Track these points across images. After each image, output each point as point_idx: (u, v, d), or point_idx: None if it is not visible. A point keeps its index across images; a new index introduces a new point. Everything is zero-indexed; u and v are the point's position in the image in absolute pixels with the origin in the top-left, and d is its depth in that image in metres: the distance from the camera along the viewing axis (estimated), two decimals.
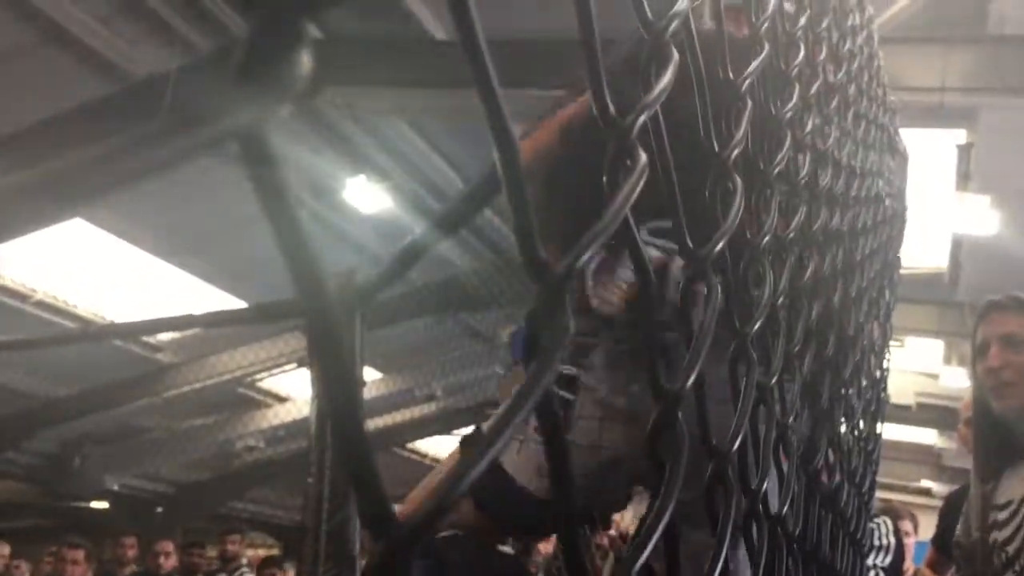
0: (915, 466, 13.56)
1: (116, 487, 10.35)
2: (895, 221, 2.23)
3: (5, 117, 5.40)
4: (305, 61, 0.28)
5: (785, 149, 0.84)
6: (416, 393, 9.70)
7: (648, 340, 0.59)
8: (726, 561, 0.67)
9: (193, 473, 11.12)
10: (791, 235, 0.92)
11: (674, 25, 0.51)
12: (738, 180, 0.65)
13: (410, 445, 11.87)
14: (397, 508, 0.31)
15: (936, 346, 9.51)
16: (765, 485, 0.83)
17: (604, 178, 0.45)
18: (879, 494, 3.24)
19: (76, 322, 8.03)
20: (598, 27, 0.43)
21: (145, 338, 8.83)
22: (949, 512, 3.43)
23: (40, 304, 7.78)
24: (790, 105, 0.87)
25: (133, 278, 7.85)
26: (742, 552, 0.83)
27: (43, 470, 9.74)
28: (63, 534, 8.20)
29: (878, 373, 2.15)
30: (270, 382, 9.94)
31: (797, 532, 1.06)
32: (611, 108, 0.45)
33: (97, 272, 7.76)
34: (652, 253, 1.05)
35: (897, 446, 11.82)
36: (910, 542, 5.04)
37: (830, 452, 1.30)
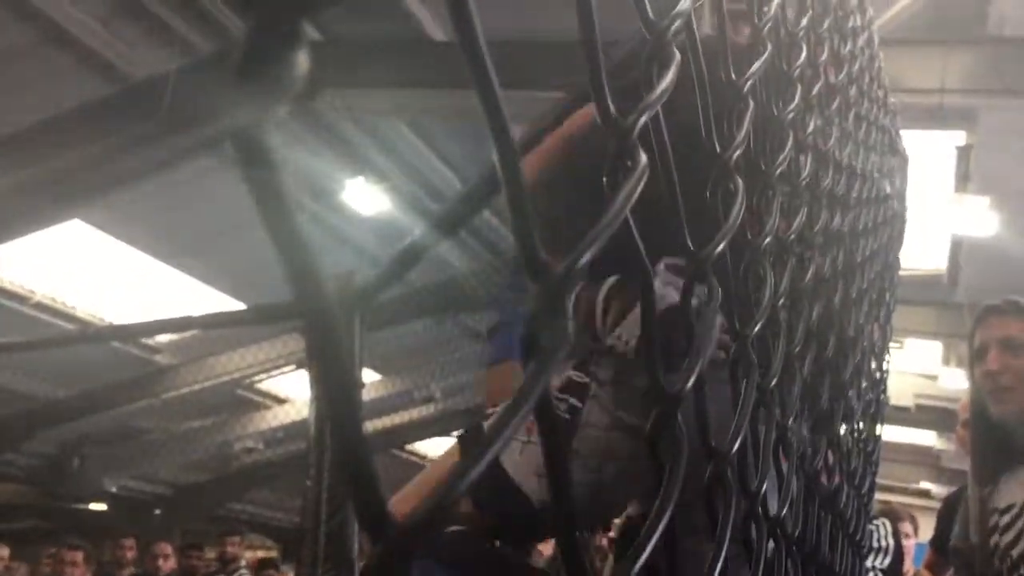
0: (914, 468, 13.56)
1: (115, 489, 10.35)
2: (895, 222, 2.23)
3: (4, 117, 5.40)
4: (303, 61, 0.28)
5: (787, 150, 0.83)
6: (415, 395, 9.70)
7: (648, 341, 0.59)
8: (726, 563, 0.67)
9: (192, 475, 11.11)
10: (792, 236, 0.92)
11: (676, 25, 0.50)
12: (740, 181, 0.65)
13: (409, 447, 11.87)
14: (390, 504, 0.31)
15: (935, 347, 9.52)
16: (764, 486, 0.83)
17: (604, 179, 0.45)
18: (878, 496, 3.24)
19: (75, 324, 8.03)
20: (599, 28, 0.43)
21: (144, 340, 8.83)
22: (947, 514, 3.42)
23: (39, 306, 7.78)
24: (792, 106, 0.87)
25: (132, 280, 7.85)
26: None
27: (42, 471, 9.74)
28: (62, 536, 8.20)
29: (878, 375, 2.15)
30: (269, 384, 9.94)
31: (796, 534, 1.06)
32: (612, 108, 0.45)
33: (96, 274, 7.76)
34: (672, 295, 1.05)
35: (896, 448, 11.82)
36: (910, 544, 5.04)
37: (830, 453, 1.30)
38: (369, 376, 9.06)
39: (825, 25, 1.13)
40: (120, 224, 7.03)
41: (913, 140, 2.56)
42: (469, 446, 1.32)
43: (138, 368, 8.91)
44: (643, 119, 0.46)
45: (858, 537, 1.82)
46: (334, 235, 7.29)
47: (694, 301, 0.63)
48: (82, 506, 11.22)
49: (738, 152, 0.66)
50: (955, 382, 9.06)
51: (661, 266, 1.18)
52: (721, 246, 0.60)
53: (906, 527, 5.04)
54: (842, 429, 1.49)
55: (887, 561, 4.61)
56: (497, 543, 1.66)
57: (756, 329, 0.75)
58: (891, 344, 2.51)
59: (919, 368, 9.91)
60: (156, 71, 5.36)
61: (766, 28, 0.79)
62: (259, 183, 0.27)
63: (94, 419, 9.04)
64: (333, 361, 0.30)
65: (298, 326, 6.66)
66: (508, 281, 2.09)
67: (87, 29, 5.34)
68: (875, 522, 4.38)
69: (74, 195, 4.48)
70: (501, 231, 7.15)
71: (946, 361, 9.54)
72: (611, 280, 1.23)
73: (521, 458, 1.31)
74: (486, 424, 1.32)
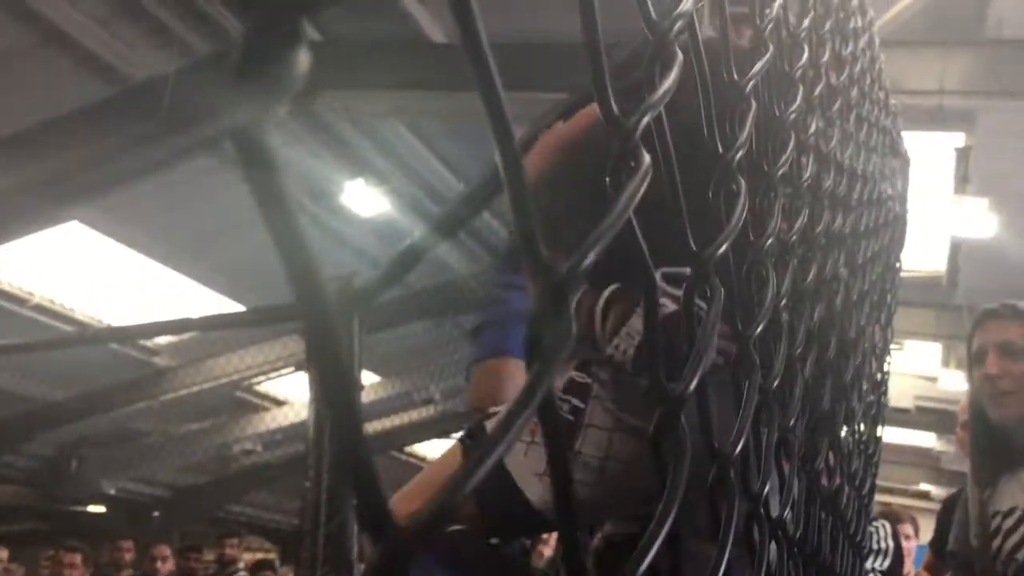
0: (914, 469, 13.56)
1: (113, 491, 10.34)
2: (897, 224, 2.23)
3: (4, 118, 5.40)
4: (303, 60, 0.28)
5: (789, 151, 0.83)
6: (414, 397, 9.70)
7: (651, 344, 0.59)
8: (729, 564, 0.67)
9: (190, 477, 11.11)
10: (794, 237, 0.91)
11: (678, 25, 0.50)
12: (742, 181, 0.65)
13: (408, 449, 11.86)
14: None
15: (934, 349, 9.51)
16: (767, 488, 0.83)
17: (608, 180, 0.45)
18: (878, 497, 3.24)
19: (73, 325, 8.02)
20: (601, 28, 0.43)
21: (142, 341, 8.83)
22: (946, 516, 3.42)
23: (37, 307, 7.77)
24: (794, 107, 0.87)
25: (130, 281, 7.84)
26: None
27: (40, 474, 9.73)
28: (60, 538, 8.19)
29: (879, 376, 2.15)
30: (267, 386, 9.94)
31: (798, 535, 1.05)
32: (615, 109, 0.44)
33: (94, 275, 7.76)
34: (667, 305, 1.05)
35: (896, 449, 11.82)
36: (911, 545, 5.03)
37: (831, 455, 1.30)
38: (368, 378, 9.05)
39: (827, 26, 1.13)
40: (118, 226, 7.03)
41: (912, 142, 2.56)
42: (471, 447, 1.31)
43: (137, 370, 8.91)
44: (646, 119, 0.46)
45: (859, 538, 1.82)
46: (333, 237, 7.29)
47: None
48: (80, 508, 11.22)
49: (741, 152, 0.65)
50: (955, 384, 9.05)
51: (658, 275, 1.17)
52: (724, 247, 0.60)
53: (907, 529, 5.04)
54: (843, 431, 1.48)
55: (887, 563, 4.61)
56: (497, 543, 1.66)
57: (758, 330, 0.74)
58: (891, 346, 2.51)
59: (919, 370, 9.91)
60: (156, 72, 5.37)
61: (768, 29, 0.79)
62: (260, 183, 0.27)
63: (93, 421, 9.04)
64: (333, 362, 0.29)
65: (297, 328, 6.66)
66: (497, 279, 2.05)
67: (87, 30, 5.34)
68: (874, 524, 4.38)
69: (74, 195, 4.48)
70: (501, 233, 7.14)
71: (946, 363, 9.54)
72: (611, 288, 1.22)
73: (524, 459, 1.31)
74: (488, 424, 1.31)
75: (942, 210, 6.28)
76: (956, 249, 7.20)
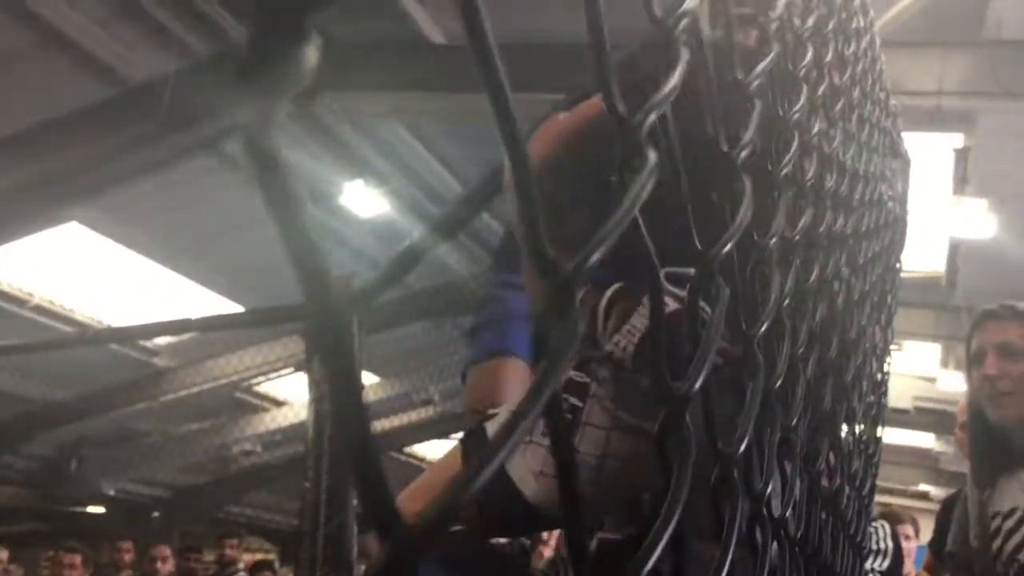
0: (913, 470, 13.57)
1: (113, 491, 10.34)
2: (897, 225, 2.23)
3: (3, 119, 5.40)
4: (310, 56, 0.27)
5: (793, 150, 0.83)
6: (413, 397, 9.70)
7: (654, 340, 0.59)
8: (732, 565, 0.67)
9: (190, 477, 11.11)
10: (797, 237, 0.91)
11: (683, 23, 0.50)
12: (747, 181, 0.65)
13: (407, 449, 11.86)
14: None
15: (934, 350, 9.52)
16: (769, 488, 0.83)
17: (613, 178, 0.45)
18: (877, 498, 3.24)
19: (73, 326, 8.02)
20: (606, 27, 0.43)
21: (142, 342, 8.83)
22: (945, 517, 3.42)
23: (37, 308, 7.77)
24: (798, 106, 0.87)
25: (130, 282, 7.84)
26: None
27: (39, 474, 9.73)
28: (60, 539, 8.19)
29: (879, 377, 2.15)
30: (267, 386, 9.94)
31: (799, 535, 1.05)
32: (620, 107, 0.44)
33: (94, 276, 7.76)
34: (670, 304, 1.05)
35: (895, 450, 11.83)
36: (911, 546, 5.04)
37: (831, 455, 1.30)
38: (368, 379, 9.06)
39: (831, 26, 1.13)
40: (118, 226, 7.03)
41: (911, 142, 2.56)
42: (471, 447, 1.31)
43: (136, 370, 8.91)
44: (651, 118, 0.46)
45: (859, 539, 1.82)
46: (333, 238, 7.29)
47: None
48: (80, 509, 11.22)
49: (745, 151, 0.65)
50: (954, 384, 9.06)
51: (662, 275, 1.17)
52: (729, 246, 0.60)
53: (907, 529, 5.04)
54: (844, 431, 1.49)
55: (885, 563, 4.62)
56: (496, 542, 1.66)
57: (762, 330, 0.74)
58: (891, 346, 2.52)
59: (918, 370, 9.91)
60: (155, 73, 5.37)
61: (773, 28, 0.79)
62: (268, 181, 0.27)
63: (92, 422, 9.04)
64: (341, 360, 0.29)
65: (297, 328, 6.67)
66: (494, 279, 2.03)
67: (86, 31, 5.34)
68: (874, 524, 4.39)
69: (74, 196, 4.47)
70: (500, 234, 7.13)
71: (945, 363, 9.55)
72: (615, 287, 1.22)
73: (522, 457, 1.31)
74: (488, 425, 1.31)
75: (941, 211, 6.28)
76: (955, 250, 7.21)
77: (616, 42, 0.46)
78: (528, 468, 1.32)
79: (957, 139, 6.14)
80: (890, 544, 4.69)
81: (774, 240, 0.78)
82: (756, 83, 0.70)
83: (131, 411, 9.03)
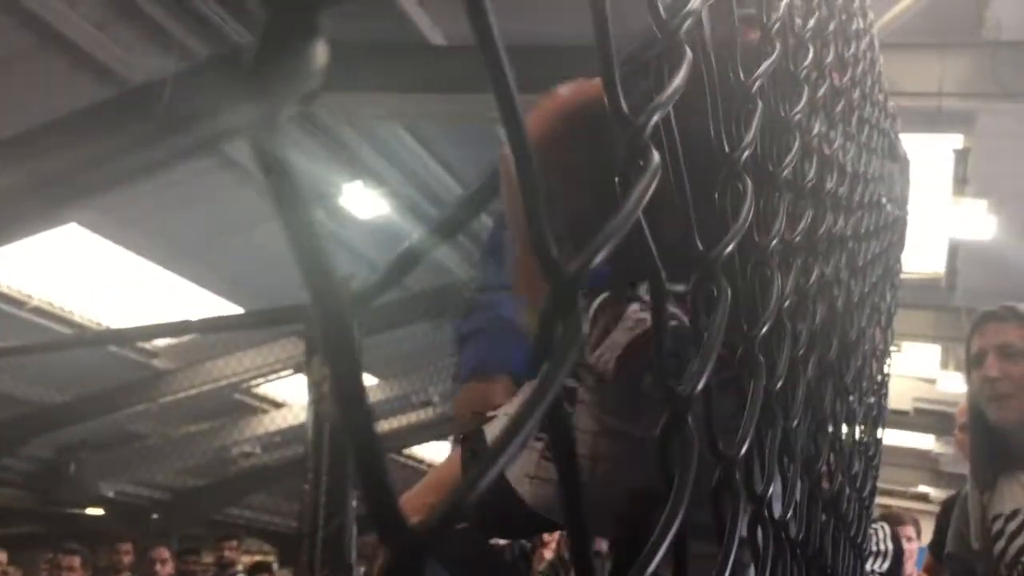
0: (912, 471, 13.56)
1: (112, 493, 10.32)
2: (896, 226, 2.24)
3: (2, 121, 5.40)
4: (320, 53, 0.28)
5: (794, 152, 0.83)
6: (412, 399, 9.68)
7: (657, 342, 0.59)
8: (733, 567, 0.67)
9: (189, 479, 11.10)
10: (798, 239, 0.91)
11: (687, 24, 0.50)
12: (748, 182, 0.64)
13: (406, 451, 11.85)
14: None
15: (933, 351, 9.52)
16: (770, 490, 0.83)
17: (616, 179, 0.45)
18: (877, 500, 3.24)
19: (72, 328, 8.02)
20: (611, 27, 0.43)
21: (141, 344, 8.82)
22: (945, 518, 3.42)
23: (36, 310, 7.77)
24: (798, 107, 0.87)
25: (129, 284, 7.84)
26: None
27: (38, 476, 9.72)
28: (59, 541, 8.18)
29: (879, 378, 2.15)
30: (266, 388, 9.93)
31: (800, 537, 1.05)
32: (624, 107, 0.44)
33: (93, 278, 7.75)
34: (647, 320, 1.04)
35: (894, 451, 11.82)
36: (913, 547, 5.03)
37: (832, 457, 1.30)
38: (366, 380, 9.01)
39: (831, 27, 1.13)
40: (116, 228, 7.02)
41: (911, 144, 2.56)
42: (471, 452, 1.31)
43: (135, 372, 8.90)
44: (655, 118, 0.46)
45: (859, 540, 1.82)
46: (332, 239, 7.28)
47: (672, 323, 0.62)
48: (79, 511, 11.20)
49: (747, 152, 0.65)
50: (953, 386, 9.06)
51: (642, 290, 1.16)
52: (731, 247, 0.60)
53: (908, 531, 5.04)
54: (844, 432, 1.48)
55: (885, 564, 4.62)
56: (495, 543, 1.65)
57: (763, 331, 0.74)
58: (891, 348, 2.52)
59: (917, 372, 9.91)
60: (153, 75, 5.36)
61: (774, 29, 0.79)
62: (276, 182, 0.27)
63: (91, 424, 9.03)
64: (345, 360, 0.29)
65: (296, 330, 6.66)
66: (480, 279, 1.95)
67: (84, 33, 5.34)
68: (874, 526, 4.39)
69: (73, 197, 4.47)
70: (488, 224, 7.12)
71: (944, 365, 9.54)
72: (602, 296, 1.22)
73: (518, 460, 1.31)
74: (487, 428, 1.31)
75: (941, 212, 6.28)
76: (955, 251, 7.21)
77: (620, 45, 0.46)
78: (522, 471, 1.32)
79: (957, 140, 6.14)
80: (890, 546, 4.69)
81: (775, 241, 0.78)
82: (757, 83, 0.70)
83: (130, 413, 9.02)
